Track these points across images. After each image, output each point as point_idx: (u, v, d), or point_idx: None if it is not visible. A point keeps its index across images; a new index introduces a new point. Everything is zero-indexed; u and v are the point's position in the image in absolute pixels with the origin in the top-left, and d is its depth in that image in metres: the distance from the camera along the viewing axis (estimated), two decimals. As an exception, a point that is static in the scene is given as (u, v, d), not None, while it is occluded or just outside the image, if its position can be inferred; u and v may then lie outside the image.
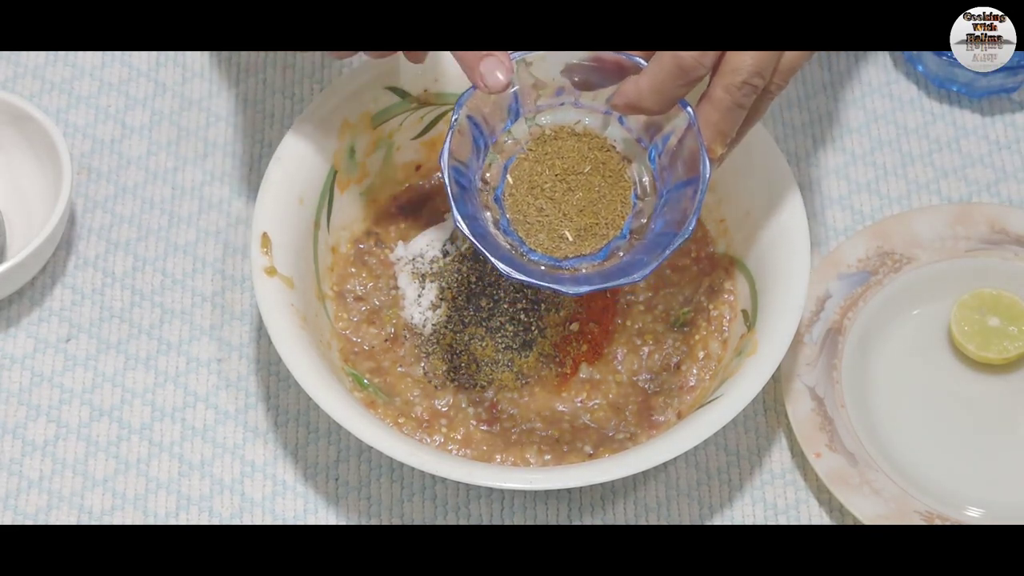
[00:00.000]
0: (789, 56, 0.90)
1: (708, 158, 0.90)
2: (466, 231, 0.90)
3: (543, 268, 0.93)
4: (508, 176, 0.94)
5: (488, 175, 0.94)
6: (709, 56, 0.88)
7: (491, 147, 0.94)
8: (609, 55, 0.91)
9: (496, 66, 0.90)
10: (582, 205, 0.94)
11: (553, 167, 0.94)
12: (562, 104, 0.94)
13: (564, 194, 0.94)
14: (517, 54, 0.91)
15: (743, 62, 0.88)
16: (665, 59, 0.88)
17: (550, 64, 0.92)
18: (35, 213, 1.09)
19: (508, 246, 0.93)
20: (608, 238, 0.94)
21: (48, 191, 1.09)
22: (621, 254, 0.94)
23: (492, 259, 0.90)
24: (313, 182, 1.03)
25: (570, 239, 0.93)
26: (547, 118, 0.94)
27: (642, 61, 0.91)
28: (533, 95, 0.93)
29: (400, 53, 1.00)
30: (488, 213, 0.94)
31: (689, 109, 0.91)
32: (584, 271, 0.93)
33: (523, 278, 0.90)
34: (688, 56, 0.87)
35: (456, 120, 0.91)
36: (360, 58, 1.04)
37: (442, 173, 0.91)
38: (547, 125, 0.94)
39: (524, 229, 0.94)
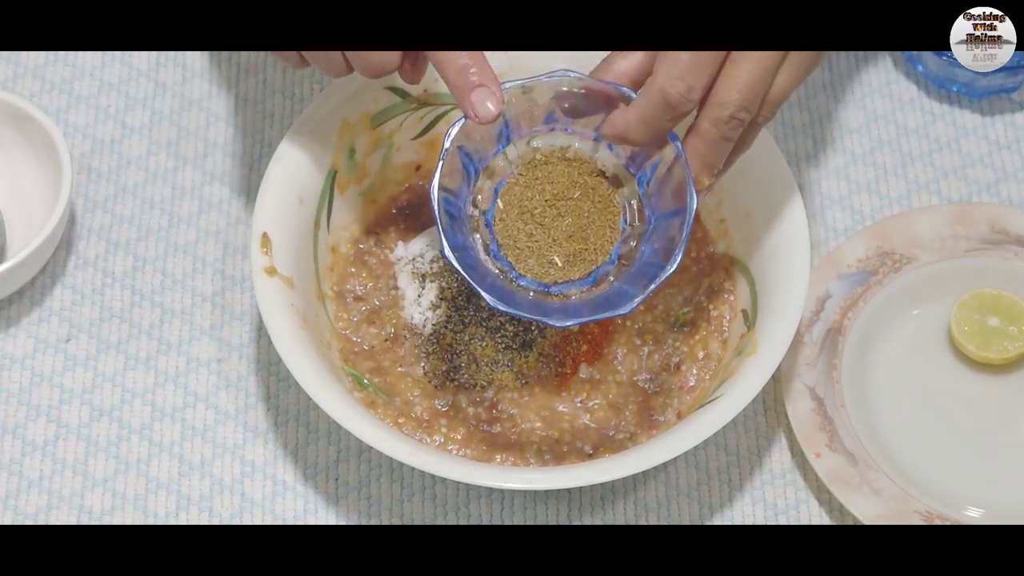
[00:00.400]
0: (777, 88, 0.90)
1: (695, 190, 0.91)
2: (455, 264, 0.90)
3: (532, 294, 0.94)
4: (498, 200, 0.94)
5: (479, 198, 0.94)
6: (696, 91, 0.88)
7: (481, 172, 0.94)
8: (599, 85, 0.91)
9: (487, 96, 0.90)
10: (571, 231, 0.94)
11: (543, 192, 0.94)
12: (552, 130, 0.94)
13: (554, 219, 0.94)
14: (514, 83, 0.91)
15: (730, 96, 0.89)
16: (653, 92, 0.89)
17: (542, 91, 0.92)
18: (35, 213, 1.09)
19: (498, 271, 0.94)
20: (597, 263, 0.94)
21: (48, 191, 1.09)
22: (611, 279, 0.94)
23: (481, 292, 0.90)
24: (313, 182, 1.03)
25: (559, 264, 0.94)
26: (538, 142, 0.95)
27: (631, 92, 0.91)
28: (525, 122, 0.94)
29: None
30: (478, 236, 0.94)
31: (677, 142, 0.91)
32: (573, 297, 0.94)
33: (511, 311, 0.91)
34: (675, 91, 0.88)
35: (446, 151, 0.91)
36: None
37: (431, 205, 0.91)
38: (538, 149, 0.95)
39: (514, 254, 0.94)
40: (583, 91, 0.92)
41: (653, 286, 0.91)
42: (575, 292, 0.94)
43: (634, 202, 0.95)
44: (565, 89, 0.92)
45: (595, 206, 0.94)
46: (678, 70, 0.88)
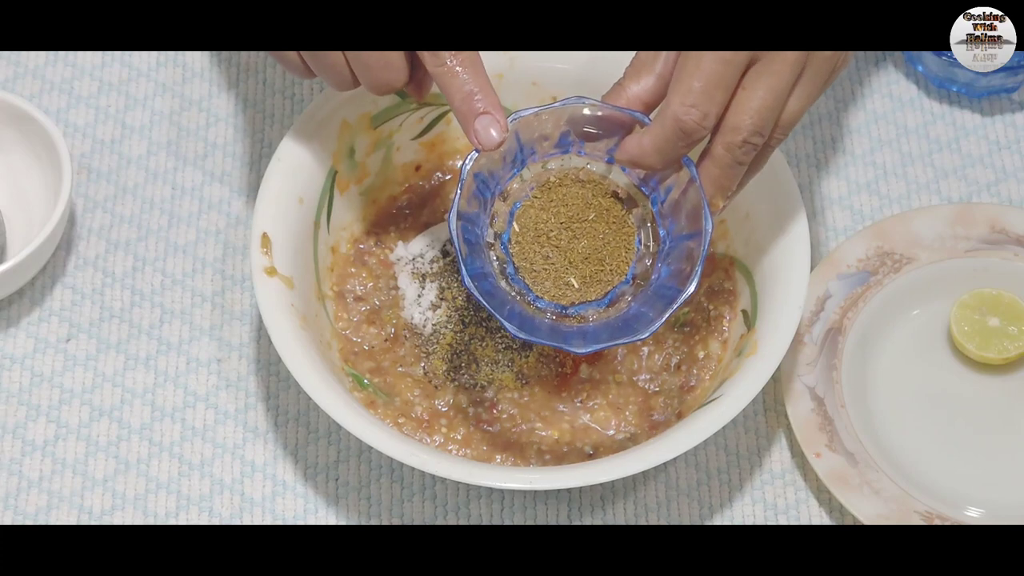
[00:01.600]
0: (789, 112, 0.91)
1: (710, 212, 0.91)
2: (476, 294, 0.91)
3: (549, 316, 0.95)
4: (514, 223, 0.95)
5: (495, 220, 0.95)
6: (710, 118, 0.89)
7: (497, 196, 0.94)
8: (612, 111, 0.92)
9: (491, 124, 0.91)
10: (587, 252, 0.95)
11: (558, 215, 0.95)
12: (566, 152, 0.95)
13: (569, 242, 0.95)
14: (528, 111, 0.92)
15: (743, 122, 0.89)
16: (667, 121, 0.89)
17: (556, 117, 0.93)
18: (35, 213, 1.09)
19: (515, 294, 0.94)
20: (613, 284, 0.95)
21: (48, 191, 1.09)
22: (628, 298, 0.95)
23: (502, 320, 0.91)
24: (313, 182, 1.03)
25: (576, 286, 0.94)
26: (552, 164, 0.95)
27: (644, 117, 0.91)
28: (539, 146, 0.94)
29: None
30: (494, 257, 0.94)
31: (692, 166, 0.91)
32: (591, 318, 0.95)
33: (532, 339, 0.91)
34: (689, 119, 0.88)
35: (463, 181, 0.91)
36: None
37: (451, 235, 0.91)
38: (552, 171, 0.95)
39: (531, 276, 0.95)
40: (596, 116, 0.92)
41: (671, 310, 0.91)
42: (592, 313, 0.95)
43: (648, 222, 0.95)
44: (579, 115, 0.92)
45: (610, 227, 0.95)
46: (692, 98, 0.88)
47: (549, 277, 0.95)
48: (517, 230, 0.95)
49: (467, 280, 0.91)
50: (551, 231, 0.95)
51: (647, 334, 0.91)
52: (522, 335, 0.91)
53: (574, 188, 0.95)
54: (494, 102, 0.91)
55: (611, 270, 0.95)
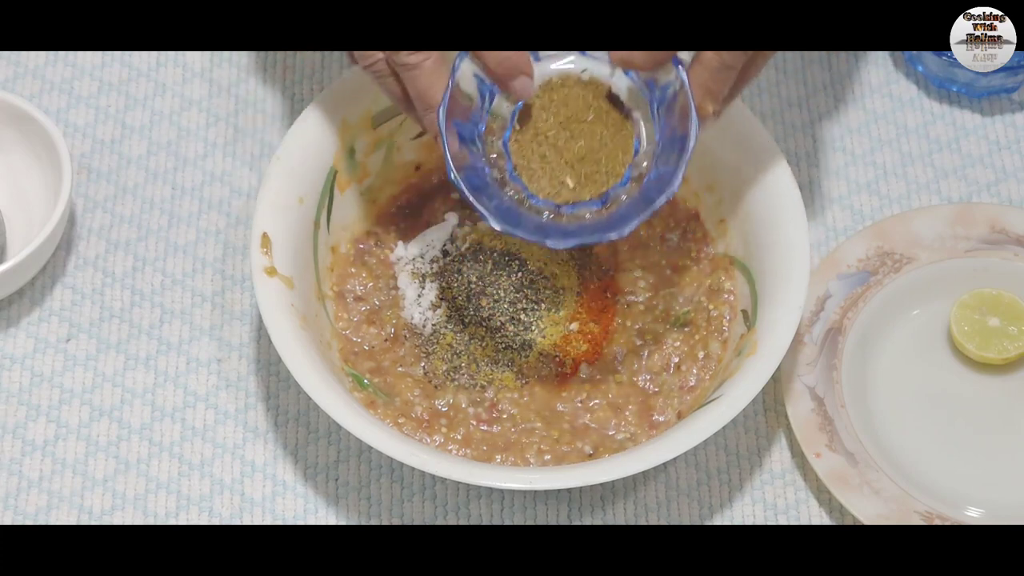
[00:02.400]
0: None
1: (700, 116, 0.92)
2: (461, 185, 0.92)
3: (547, 214, 0.95)
4: (515, 122, 0.96)
5: (496, 119, 0.95)
6: None
7: (498, 94, 0.95)
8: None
9: (527, 82, 0.94)
10: (583, 153, 0.95)
11: (558, 115, 0.96)
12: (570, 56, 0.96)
13: (567, 141, 0.95)
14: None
15: None
16: None
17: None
18: (35, 213, 1.09)
19: (512, 192, 0.94)
20: (608, 185, 0.95)
21: (48, 191, 1.09)
22: (624, 197, 0.95)
23: (481, 210, 0.92)
24: (313, 182, 1.03)
25: (570, 185, 0.95)
26: (555, 64, 0.96)
27: None
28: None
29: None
30: (495, 156, 0.95)
31: (681, 69, 0.92)
32: (587, 218, 0.95)
33: (511, 231, 0.92)
34: None
35: (457, 69, 0.93)
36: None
37: (438, 123, 0.92)
38: (555, 72, 0.96)
39: (527, 175, 0.95)
40: None
41: (650, 210, 0.92)
42: (587, 212, 0.95)
43: (647, 126, 0.95)
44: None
45: (608, 129, 0.95)
46: None
47: (545, 175, 0.95)
48: (517, 128, 0.96)
49: (452, 172, 0.92)
50: (549, 131, 0.96)
51: (626, 232, 0.92)
52: (500, 226, 0.92)
53: (575, 89, 0.96)
54: (524, 59, 0.94)
55: (607, 171, 0.95)
